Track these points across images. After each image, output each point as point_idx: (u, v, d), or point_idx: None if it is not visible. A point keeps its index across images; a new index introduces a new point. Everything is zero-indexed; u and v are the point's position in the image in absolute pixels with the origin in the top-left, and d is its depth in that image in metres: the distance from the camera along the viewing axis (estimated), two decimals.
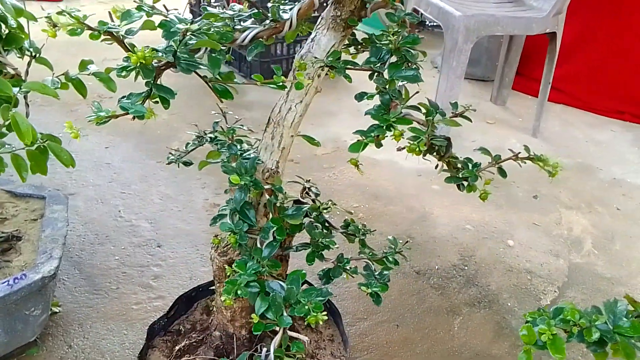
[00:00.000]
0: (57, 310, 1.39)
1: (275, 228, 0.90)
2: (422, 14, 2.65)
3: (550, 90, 2.67)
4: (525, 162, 1.01)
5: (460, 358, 1.38)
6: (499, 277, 1.68)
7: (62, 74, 1.22)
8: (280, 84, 0.87)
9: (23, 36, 1.15)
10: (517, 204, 2.10)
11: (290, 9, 0.88)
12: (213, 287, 1.15)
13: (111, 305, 1.43)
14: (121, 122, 2.59)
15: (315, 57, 0.89)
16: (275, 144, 1.00)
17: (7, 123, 1.06)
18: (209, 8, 0.97)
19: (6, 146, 1.14)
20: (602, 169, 2.44)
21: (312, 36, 0.95)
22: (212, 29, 0.80)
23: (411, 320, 1.48)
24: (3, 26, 1.11)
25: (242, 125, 1.18)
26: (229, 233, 0.91)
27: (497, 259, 1.76)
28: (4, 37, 1.12)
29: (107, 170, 2.06)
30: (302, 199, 1.07)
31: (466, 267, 1.71)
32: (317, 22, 0.95)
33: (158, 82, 0.84)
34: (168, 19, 0.81)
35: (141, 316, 1.40)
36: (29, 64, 1.21)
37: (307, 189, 1.08)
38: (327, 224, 1.05)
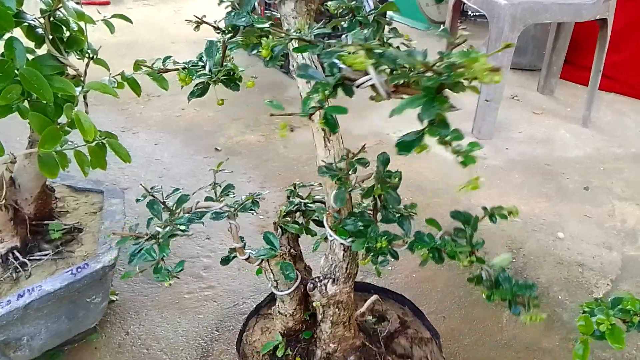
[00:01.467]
0: (115, 299, 1.46)
1: None
2: (465, 3, 2.60)
3: (601, 78, 2.57)
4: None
5: (510, 350, 1.36)
6: (549, 270, 1.64)
7: (119, 74, 1.28)
8: None
9: (83, 38, 1.21)
10: (568, 195, 2.04)
11: None
12: None
13: (164, 294, 1.49)
14: (170, 120, 2.69)
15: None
16: None
17: (69, 121, 1.12)
18: None
19: (69, 143, 1.20)
20: None
21: None
22: None
23: (458, 312, 1.47)
24: (65, 29, 1.17)
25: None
26: None
27: (546, 252, 1.72)
28: (65, 40, 1.18)
29: (157, 165, 2.13)
30: None
31: (514, 260, 1.68)
32: None
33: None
34: None
35: (193, 305, 1.46)
36: (87, 64, 1.27)
37: None
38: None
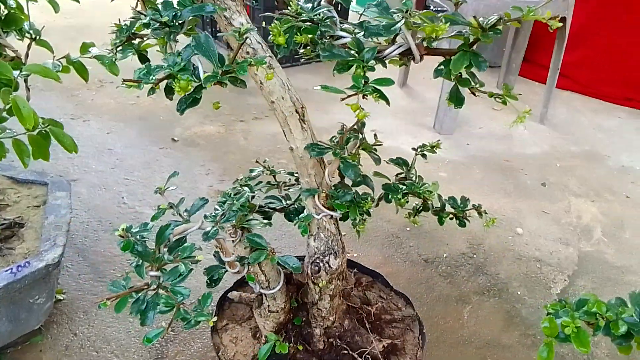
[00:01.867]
0: (62, 298, 1.37)
1: None
2: None
3: (558, 76, 2.62)
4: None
5: (471, 347, 1.36)
6: (508, 266, 1.66)
7: (63, 57, 1.19)
8: None
9: (23, 17, 1.11)
10: (526, 191, 2.07)
11: None
12: None
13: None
14: (123, 108, 2.56)
15: None
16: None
17: (7, 107, 1.02)
18: None
19: (7, 131, 1.11)
20: (610, 156, 2.41)
21: None
22: None
23: (420, 309, 1.45)
24: (2, 7, 1.07)
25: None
26: None
27: (506, 247, 1.74)
28: (3, 18, 1.08)
29: (109, 156, 2.02)
30: None
31: (475, 255, 1.69)
32: None
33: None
34: None
35: None
36: (29, 46, 1.17)
37: None
38: None
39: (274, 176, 1.10)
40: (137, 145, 2.12)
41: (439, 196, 1.12)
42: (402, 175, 1.03)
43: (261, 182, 1.05)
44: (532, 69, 3.18)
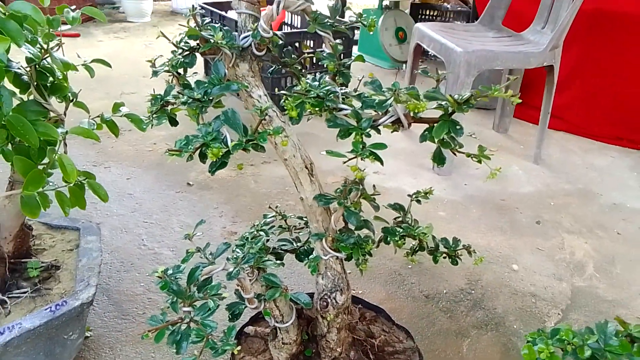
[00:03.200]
0: (89, 335, 1.48)
1: None
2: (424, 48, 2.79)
3: (550, 118, 2.78)
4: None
5: None
6: (504, 301, 1.76)
7: (98, 116, 1.35)
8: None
9: (66, 85, 1.27)
10: (521, 229, 2.19)
11: None
12: None
13: (139, 329, 1.52)
14: (141, 155, 2.72)
15: None
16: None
17: (52, 164, 1.17)
18: None
19: (49, 184, 1.25)
20: (602, 194, 2.53)
21: None
22: None
23: (421, 343, 1.55)
24: (49, 77, 1.23)
25: None
26: None
27: (502, 283, 1.85)
28: (49, 85, 1.24)
29: (129, 200, 2.17)
30: None
31: (473, 291, 1.80)
32: None
33: None
34: None
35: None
36: (66, 107, 1.33)
37: None
38: None
39: (285, 220, 1.23)
40: (155, 190, 2.26)
41: (433, 237, 1.24)
42: (400, 219, 1.16)
43: (274, 226, 1.19)
44: (526, 110, 3.34)
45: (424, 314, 1.68)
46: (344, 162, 0.81)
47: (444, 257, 1.24)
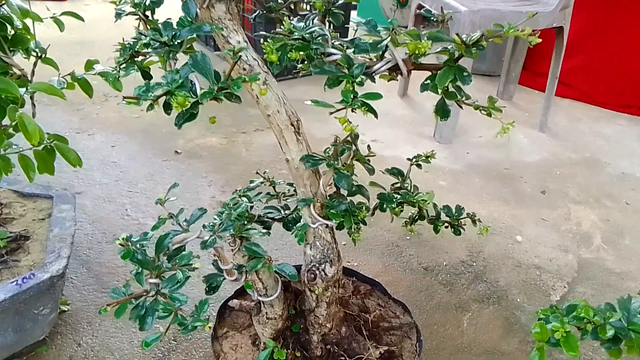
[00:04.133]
0: (66, 309, 1.39)
1: None
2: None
3: (557, 84, 2.64)
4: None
5: (470, 354, 1.37)
6: (507, 273, 1.67)
7: (68, 74, 1.22)
8: None
9: (29, 37, 1.14)
10: (525, 199, 2.09)
11: None
12: None
13: None
14: (127, 121, 2.60)
15: None
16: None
17: (14, 124, 1.06)
18: None
19: (13, 147, 1.14)
20: (610, 163, 2.42)
21: None
22: None
23: (420, 317, 1.47)
24: (9, 27, 1.10)
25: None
26: None
27: (505, 255, 1.75)
28: (9, 38, 1.12)
29: (113, 169, 2.06)
30: None
31: (474, 263, 1.70)
32: None
33: None
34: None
35: None
36: (34, 64, 1.20)
37: None
38: None
39: (274, 187, 1.13)
40: (141, 158, 2.15)
41: (435, 205, 1.14)
42: (398, 185, 1.06)
43: (261, 192, 1.08)
44: (532, 77, 3.20)
45: (422, 287, 1.59)
46: (331, 113, 0.69)
47: (446, 227, 1.14)
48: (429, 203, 1.08)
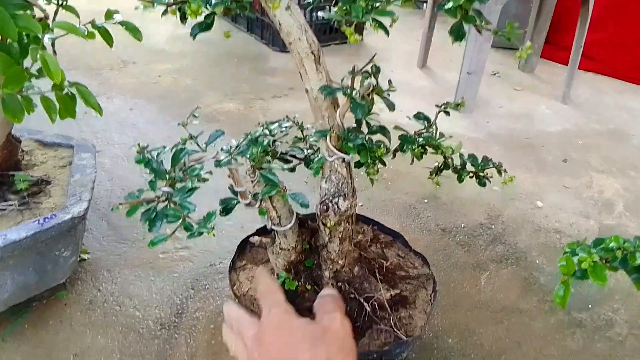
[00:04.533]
0: (86, 257, 1.41)
1: None
2: None
3: (581, 57, 2.58)
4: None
5: (488, 311, 1.36)
6: (527, 236, 1.65)
7: (89, 22, 1.22)
8: None
9: None
10: (547, 167, 2.05)
11: None
12: None
13: (138, 254, 1.45)
14: (145, 87, 2.61)
15: None
16: None
17: (35, 65, 1.06)
18: None
19: (35, 88, 1.14)
20: (634, 135, 2.37)
21: None
22: None
23: (437, 274, 1.43)
24: None
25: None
26: None
27: (525, 219, 1.73)
28: None
29: (132, 130, 2.07)
30: None
31: (493, 226, 1.68)
32: None
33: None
34: None
35: (167, 264, 1.42)
36: (55, 12, 1.20)
37: None
38: None
39: (302, 130, 1.11)
40: (159, 122, 2.16)
41: (461, 155, 1.11)
42: (422, 131, 1.04)
43: (287, 134, 1.06)
44: (554, 51, 3.13)
45: (439, 247, 1.57)
46: (339, 25, 0.68)
47: (470, 177, 1.11)
48: (455, 152, 1.05)
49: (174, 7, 0.70)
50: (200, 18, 0.72)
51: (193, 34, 0.69)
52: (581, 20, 2.52)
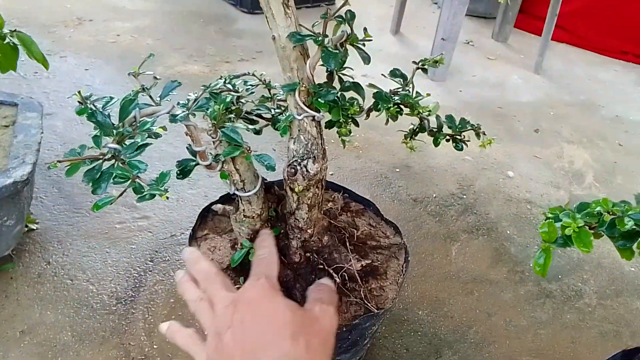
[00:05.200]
0: (35, 227, 1.30)
1: None
2: None
3: (554, 28, 2.55)
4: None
5: (458, 282, 1.33)
6: (498, 206, 1.63)
7: None
8: None
9: None
10: (518, 137, 2.03)
11: None
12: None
13: (92, 224, 1.35)
14: (102, 46, 2.45)
15: None
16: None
17: None
18: None
19: None
20: (604, 106, 2.37)
21: None
22: None
23: (408, 245, 1.42)
24: None
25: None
26: None
27: (496, 189, 1.70)
28: None
29: (87, 92, 1.92)
30: None
31: (465, 196, 1.65)
32: None
33: None
34: None
35: (124, 235, 1.33)
36: None
37: None
38: None
39: (269, 89, 1.03)
40: (117, 82, 2.02)
41: (437, 116, 1.05)
42: (399, 89, 0.97)
43: (254, 92, 0.97)
44: (528, 20, 3.10)
45: (411, 217, 1.53)
46: None
47: (447, 140, 1.06)
48: (432, 113, 0.99)
49: None
50: None
51: None
52: None
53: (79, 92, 0.64)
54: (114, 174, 0.61)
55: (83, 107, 0.62)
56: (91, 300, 1.15)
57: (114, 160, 0.63)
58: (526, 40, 3.01)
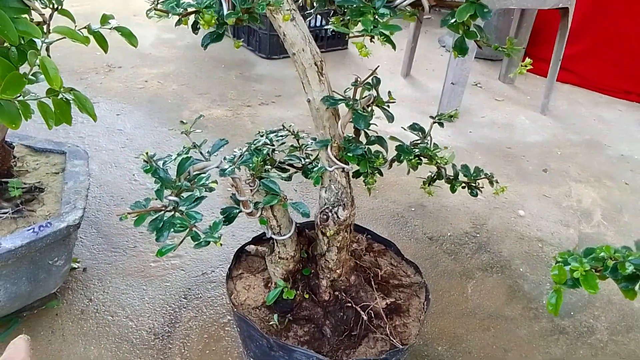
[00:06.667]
0: (77, 266, 1.40)
1: None
2: None
3: (559, 70, 2.67)
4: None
5: (474, 318, 1.40)
6: (510, 245, 1.70)
7: (84, 27, 1.22)
8: None
9: None
10: (528, 177, 2.11)
11: None
12: None
13: (129, 262, 1.44)
14: (131, 92, 2.59)
15: None
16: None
17: (33, 70, 1.06)
18: None
19: (31, 94, 1.14)
20: (610, 145, 2.46)
21: None
22: None
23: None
24: None
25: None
26: None
27: (508, 228, 1.78)
28: None
29: (119, 136, 2.05)
30: None
31: (478, 235, 1.73)
32: None
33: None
34: None
35: (159, 273, 1.42)
36: (50, 16, 1.20)
37: None
38: None
39: (297, 139, 1.13)
40: (146, 127, 2.15)
41: (453, 165, 1.15)
42: (417, 141, 1.07)
43: (284, 142, 1.08)
44: (534, 63, 3.19)
45: (427, 255, 1.61)
46: (348, 37, 0.70)
47: (463, 187, 1.15)
48: (448, 163, 1.09)
49: (186, 17, 0.72)
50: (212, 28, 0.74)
51: (204, 44, 0.71)
52: (560, 33, 2.60)
53: (147, 152, 0.74)
54: (175, 224, 0.71)
55: (149, 166, 0.72)
56: (131, 335, 1.23)
57: (173, 211, 0.73)
58: (532, 81, 3.13)
